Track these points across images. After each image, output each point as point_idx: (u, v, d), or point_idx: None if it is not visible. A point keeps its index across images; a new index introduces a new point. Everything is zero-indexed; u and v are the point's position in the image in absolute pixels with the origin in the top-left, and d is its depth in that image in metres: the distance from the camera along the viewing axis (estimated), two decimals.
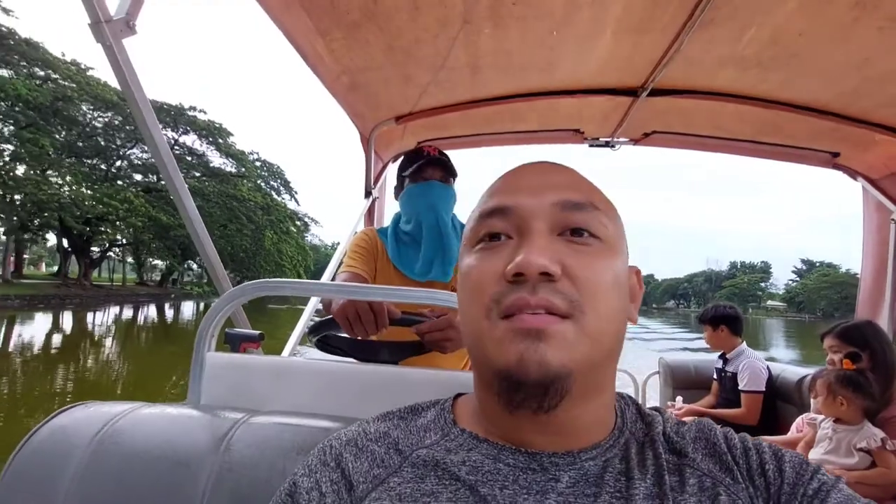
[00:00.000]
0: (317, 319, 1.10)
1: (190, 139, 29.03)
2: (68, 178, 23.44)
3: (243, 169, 30.52)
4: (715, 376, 2.65)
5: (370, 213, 2.41)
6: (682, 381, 2.83)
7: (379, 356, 1.02)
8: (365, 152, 2.26)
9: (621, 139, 2.40)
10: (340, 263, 1.52)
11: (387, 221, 2.55)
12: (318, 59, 1.54)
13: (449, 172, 1.47)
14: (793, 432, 1.95)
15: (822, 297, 76.86)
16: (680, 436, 0.46)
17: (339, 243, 2.32)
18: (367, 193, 2.33)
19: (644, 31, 1.48)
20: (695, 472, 0.43)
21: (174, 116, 27.43)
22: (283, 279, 0.89)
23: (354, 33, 1.42)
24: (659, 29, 1.45)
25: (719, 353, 2.63)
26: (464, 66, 1.69)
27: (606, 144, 2.45)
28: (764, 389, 2.28)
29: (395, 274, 1.48)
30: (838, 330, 1.83)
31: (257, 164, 30.23)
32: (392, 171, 2.52)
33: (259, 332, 1.04)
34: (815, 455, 1.67)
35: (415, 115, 2.09)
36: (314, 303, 1.87)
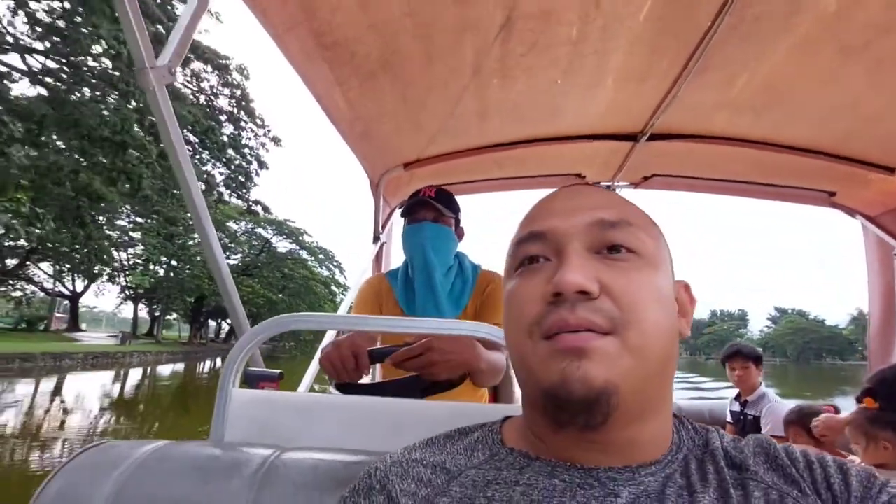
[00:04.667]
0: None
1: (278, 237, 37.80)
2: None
3: (309, 255, 38.90)
4: (730, 419, 2.58)
5: (378, 259, 2.42)
6: None
7: (390, 396, 1.01)
8: (374, 198, 2.30)
9: (621, 183, 2.46)
10: (350, 309, 1.53)
11: (394, 266, 2.58)
12: (334, 106, 1.61)
13: (444, 211, 1.46)
14: None
15: (788, 343, 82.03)
16: (738, 450, 0.45)
17: None
18: (376, 238, 2.35)
19: (643, 80, 1.56)
20: (759, 484, 0.41)
21: (277, 225, 35.62)
22: (301, 314, 0.89)
23: (370, 83, 1.49)
24: (657, 77, 1.54)
25: (735, 396, 2.57)
26: (472, 113, 1.76)
27: (607, 188, 2.51)
28: (784, 435, 2.20)
29: (402, 316, 1.47)
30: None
31: (316, 249, 38.69)
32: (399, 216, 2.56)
33: (279, 371, 1.03)
34: None
35: (422, 162, 2.16)
36: (329, 338, 1.86)
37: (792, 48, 1.32)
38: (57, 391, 12.80)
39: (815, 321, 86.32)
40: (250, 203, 30.06)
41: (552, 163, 2.31)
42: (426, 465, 0.45)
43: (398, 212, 2.55)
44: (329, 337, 1.72)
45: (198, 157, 20.29)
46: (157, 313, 35.58)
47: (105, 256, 22.76)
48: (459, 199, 1.57)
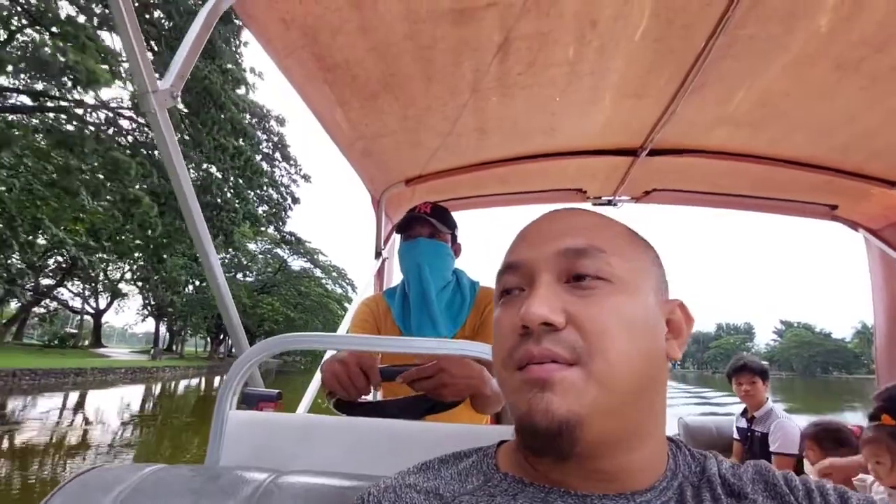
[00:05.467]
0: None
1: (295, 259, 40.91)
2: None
3: (323, 273, 41.79)
4: (737, 436, 2.54)
5: (380, 274, 2.43)
6: (704, 443, 2.70)
7: (391, 416, 1.00)
8: (375, 214, 2.32)
9: (623, 197, 2.47)
10: (347, 329, 1.53)
11: (395, 281, 2.58)
12: (335, 126, 1.63)
13: (439, 227, 1.45)
14: None
15: (794, 356, 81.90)
16: (737, 477, 0.44)
17: None
18: (377, 254, 2.36)
19: (641, 96, 1.58)
20: None
21: (294, 245, 37.65)
22: (300, 334, 0.89)
23: (371, 103, 1.51)
24: (654, 94, 1.55)
25: (742, 411, 2.53)
26: (471, 130, 1.78)
27: (609, 203, 2.52)
28: (798, 452, 2.16)
29: (399, 336, 1.46)
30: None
31: (330, 268, 41.33)
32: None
33: (277, 391, 1.03)
34: None
35: (423, 178, 2.18)
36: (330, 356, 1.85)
37: (787, 65, 1.33)
38: (124, 400, 15.16)
39: (821, 334, 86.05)
40: (285, 234, 31.95)
41: (554, 178, 2.32)
42: (419, 491, 0.45)
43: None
44: (329, 355, 1.72)
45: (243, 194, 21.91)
46: (175, 329, 38.00)
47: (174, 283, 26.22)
48: (463, 214, 1.58)
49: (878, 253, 2.22)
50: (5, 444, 7.96)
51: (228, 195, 18.19)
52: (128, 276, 32.77)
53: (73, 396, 14.70)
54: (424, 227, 1.45)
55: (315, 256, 39.05)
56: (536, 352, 0.40)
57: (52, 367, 16.98)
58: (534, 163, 2.07)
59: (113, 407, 13.27)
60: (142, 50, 0.91)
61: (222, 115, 14.55)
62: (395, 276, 2.56)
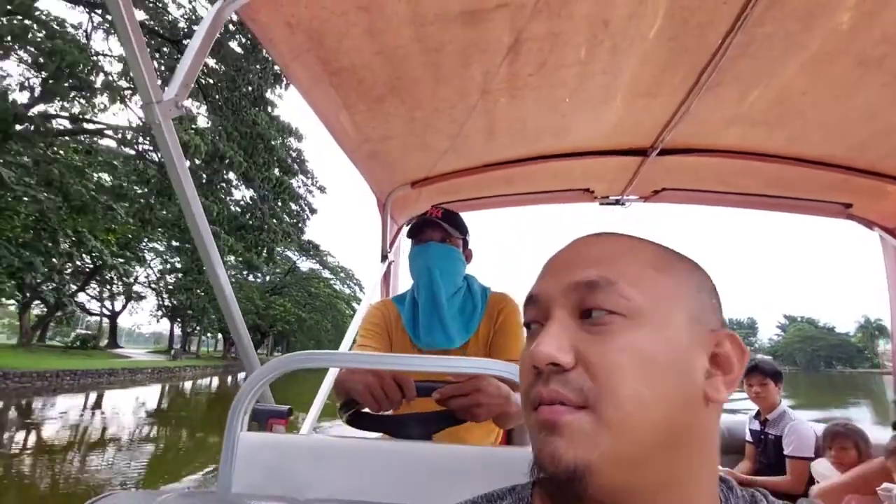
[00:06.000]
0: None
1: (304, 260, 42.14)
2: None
3: (331, 274, 43.80)
4: (750, 438, 2.50)
5: (386, 278, 2.40)
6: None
7: (412, 430, 0.97)
8: (381, 217, 2.29)
9: (631, 197, 2.43)
10: (357, 334, 1.50)
11: (402, 284, 2.56)
12: (341, 130, 1.60)
13: (451, 231, 1.43)
14: None
15: (797, 350, 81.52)
16: None
17: None
18: (384, 258, 2.33)
19: (653, 96, 1.54)
20: None
21: (307, 249, 38.57)
22: (313, 352, 0.87)
23: (378, 106, 1.48)
24: (667, 93, 1.52)
25: (755, 414, 2.50)
26: (479, 132, 1.75)
27: (617, 203, 2.48)
28: (813, 455, 2.13)
29: (409, 344, 1.43)
30: None
31: (338, 269, 43.08)
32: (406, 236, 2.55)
33: (287, 406, 1.00)
34: None
35: (429, 180, 2.15)
36: (334, 374, 1.82)
37: (806, 63, 1.29)
38: (162, 396, 16.85)
39: (825, 329, 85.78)
40: (303, 243, 33.04)
41: (561, 179, 2.29)
42: None
43: (406, 230, 2.54)
44: (332, 375, 1.68)
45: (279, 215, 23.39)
46: (189, 330, 39.45)
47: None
48: (469, 215, 1.55)
49: (894, 251, 2.18)
50: (117, 431, 9.12)
51: (270, 218, 20.07)
52: (142, 279, 34.37)
53: (120, 393, 16.24)
54: (436, 231, 1.43)
55: (324, 258, 40.24)
56: (545, 394, 0.38)
57: (88, 368, 18.40)
58: (541, 163, 2.04)
59: (175, 399, 16.34)
60: (145, 59, 0.89)
61: (270, 156, 16.68)
62: (402, 279, 2.54)
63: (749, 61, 1.31)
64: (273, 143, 16.73)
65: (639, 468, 0.37)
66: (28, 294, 19.99)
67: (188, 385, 21.43)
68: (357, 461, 0.79)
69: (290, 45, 1.19)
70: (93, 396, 14.69)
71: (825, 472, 1.84)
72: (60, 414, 10.81)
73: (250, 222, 18.51)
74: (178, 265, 30.71)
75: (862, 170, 1.83)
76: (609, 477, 0.36)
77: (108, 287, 32.17)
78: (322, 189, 26.35)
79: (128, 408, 12.90)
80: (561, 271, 0.43)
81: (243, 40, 14.72)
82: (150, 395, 16.47)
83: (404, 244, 2.58)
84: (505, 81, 1.41)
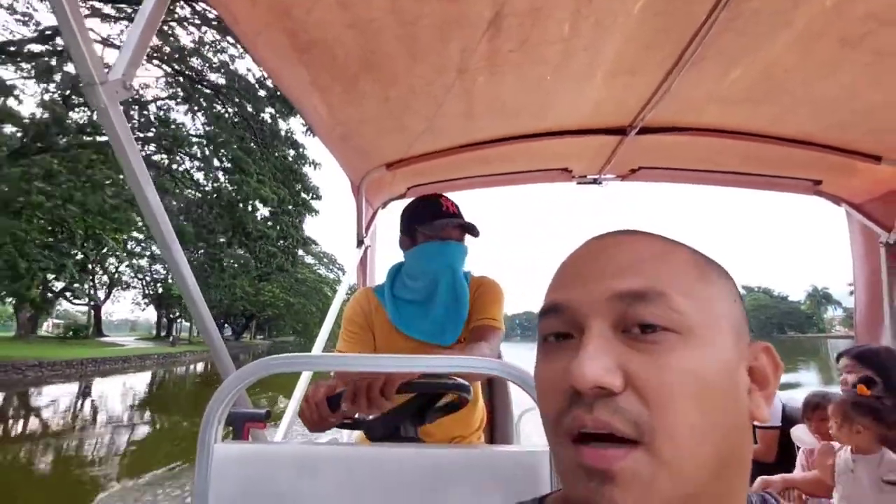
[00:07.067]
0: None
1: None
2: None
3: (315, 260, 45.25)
4: None
5: (363, 263, 2.34)
6: None
7: (400, 428, 0.93)
8: (356, 200, 2.21)
9: (608, 176, 2.42)
10: (339, 336, 1.44)
11: (379, 268, 2.49)
12: (312, 110, 1.51)
13: (465, 229, 1.43)
14: (799, 469, 1.90)
15: (752, 318, 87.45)
16: None
17: None
18: (360, 242, 2.26)
19: (635, 73, 1.50)
20: None
21: (307, 246, 40.01)
22: (292, 355, 0.81)
23: (351, 85, 1.39)
24: (649, 70, 1.48)
25: None
26: (457, 112, 1.68)
27: (594, 182, 2.47)
28: (780, 425, 2.22)
29: (397, 336, 1.40)
30: (855, 352, 1.81)
31: (321, 255, 45.12)
32: (382, 218, 2.48)
33: (265, 409, 0.95)
34: (839, 494, 1.61)
35: (405, 162, 2.07)
36: (308, 375, 1.76)
37: (790, 40, 1.27)
38: (184, 375, 19.85)
39: (779, 298, 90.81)
40: (303, 240, 34.34)
41: (539, 158, 2.25)
42: None
43: (381, 214, 2.47)
44: (307, 377, 1.62)
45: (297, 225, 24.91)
46: (172, 316, 41.06)
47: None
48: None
49: (860, 227, 2.25)
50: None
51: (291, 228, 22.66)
52: (126, 270, 35.95)
53: (145, 375, 18.83)
54: (455, 229, 1.40)
55: (308, 246, 41.08)
56: (590, 423, 0.33)
57: (105, 356, 20.60)
58: (520, 143, 1.99)
59: (195, 378, 18.66)
60: (84, 35, 0.78)
61: (298, 184, 19.52)
62: (379, 264, 2.48)
63: (733, 38, 1.28)
64: (299, 171, 19.48)
65: (693, 501, 0.33)
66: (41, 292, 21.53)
67: (197, 367, 23.81)
68: (340, 468, 0.75)
69: (252, 20, 1.09)
70: (129, 379, 17.11)
71: (803, 437, 1.92)
72: (132, 390, 14.44)
73: (273, 233, 21.13)
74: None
75: (836, 147, 1.86)
76: None
77: (91, 278, 32.78)
78: (316, 195, 26.82)
79: (177, 383, 16.61)
80: (594, 277, 0.38)
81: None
82: (175, 375, 19.30)
83: (380, 228, 2.51)
84: (484, 59, 1.34)
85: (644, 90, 1.60)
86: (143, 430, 9.13)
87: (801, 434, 1.93)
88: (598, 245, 0.40)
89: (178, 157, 18.73)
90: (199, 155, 18.74)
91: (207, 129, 17.89)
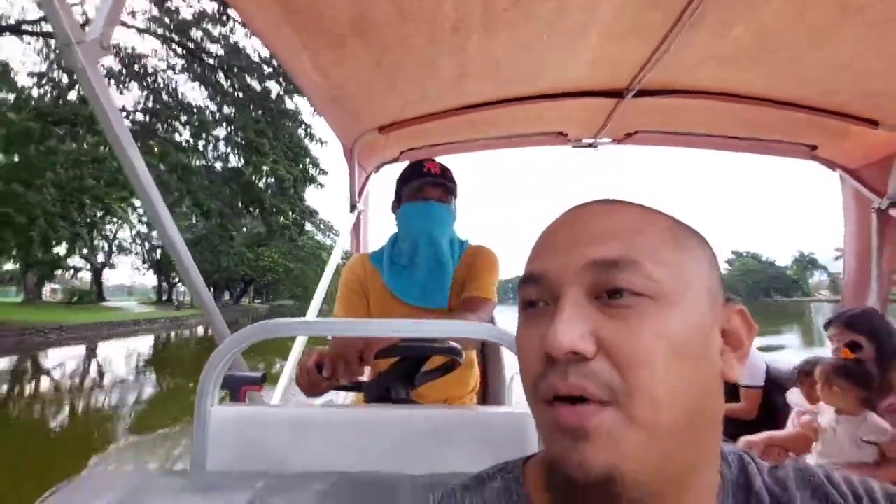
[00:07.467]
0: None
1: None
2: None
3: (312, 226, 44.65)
4: None
5: (356, 228, 2.33)
6: None
7: (395, 390, 0.95)
8: (348, 164, 2.18)
9: (604, 139, 2.39)
10: (336, 302, 1.44)
11: (372, 233, 2.49)
12: (303, 73, 1.47)
13: (449, 191, 1.40)
14: (790, 427, 1.98)
15: (739, 282, 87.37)
16: (781, 486, 0.41)
17: None
18: (352, 207, 2.24)
19: (632, 34, 1.46)
20: None
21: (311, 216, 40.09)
22: (286, 319, 0.82)
23: (341, 48, 1.35)
24: (647, 31, 1.44)
25: None
26: (450, 74, 1.64)
27: (590, 145, 2.44)
28: (763, 384, 2.30)
29: (392, 301, 1.40)
30: (843, 319, 1.84)
31: (318, 222, 45.26)
32: (375, 182, 2.45)
33: (261, 372, 0.96)
34: (819, 446, 1.68)
35: (398, 125, 2.03)
36: (303, 339, 1.78)
37: (790, 2, 1.24)
38: (192, 337, 20.95)
39: (767, 263, 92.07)
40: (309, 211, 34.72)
41: (534, 122, 2.21)
42: None
43: (374, 178, 2.44)
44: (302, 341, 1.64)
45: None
46: (172, 282, 41.61)
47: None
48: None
49: (853, 193, 2.26)
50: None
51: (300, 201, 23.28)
52: (126, 236, 36.37)
53: (155, 338, 20.08)
54: (436, 189, 1.37)
55: (313, 217, 41.78)
56: (563, 388, 0.34)
57: (116, 320, 21.77)
58: (514, 106, 1.96)
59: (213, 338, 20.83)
60: None
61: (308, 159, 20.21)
62: (372, 228, 2.47)
63: None
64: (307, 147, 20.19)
65: (668, 462, 0.35)
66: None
67: (201, 331, 23.95)
68: (337, 430, 0.77)
69: None
70: (144, 340, 18.59)
71: (798, 400, 2.00)
72: (149, 350, 16.21)
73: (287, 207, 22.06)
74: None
75: (833, 111, 1.84)
76: (640, 475, 0.34)
77: (92, 244, 34.00)
78: (325, 172, 26.79)
79: (189, 343, 17.91)
80: (569, 246, 0.39)
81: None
82: (184, 337, 20.53)
83: (373, 192, 2.49)
84: (478, 18, 1.30)
85: (641, 51, 1.56)
86: (168, 383, 10.43)
87: (795, 398, 2.01)
88: (575, 215, 0.41)
89: (202, 140, 19.37)
90: (220, 136, 20.08)
91: (226, 111, 18.89)
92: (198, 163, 18.69)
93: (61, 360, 13.44)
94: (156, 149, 16.48)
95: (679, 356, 0.34)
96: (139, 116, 17.63)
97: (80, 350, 15.30)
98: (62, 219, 15.71)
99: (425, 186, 1.37)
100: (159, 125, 17.88)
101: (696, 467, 0.37)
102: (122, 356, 14.45)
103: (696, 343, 0.36)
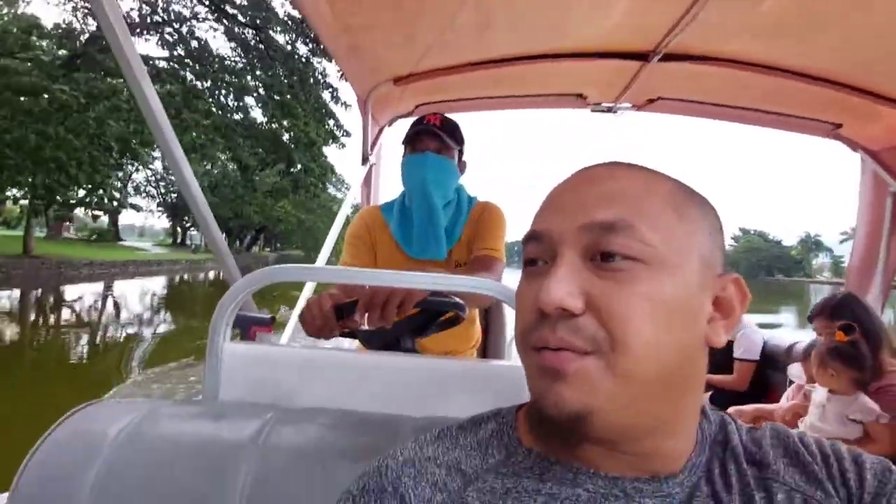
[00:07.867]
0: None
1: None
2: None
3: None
4: None
5: (367, 181, 2.32)
6: None
7: (402, 340, 0.98)
8: (362, 116, 2.15)
9: (624, 105, 2.33)
10: (343, 249, 1.46)
11: (383, 187, 2.49)
12: (319, 17, 1.43)
13: (448, 142, 1.37)
14: (784, 401, 2.03)
15: (742, 259, 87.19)
16: (757, 444, 0.43)
17: None
18: (364, 160, 2.23)
19: None
20: (781, 486, 0.41)
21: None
22: (296, 265, 0.84)
23: None
24: None
25: None
26: (471, 25, 1.58)
27: (609, 110, 2.38)
28: (758, 358, 2.34)
29: (398, 252, 1.43)
30: (827, 311, 1.86)
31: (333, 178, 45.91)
32: (388, 135, 2.42)
33: (270, 315, 1.00)
34: (807, 420, 1.73)
35: (414, 77, 1.99)
36: (312, 284, 1.81)
37: None
38: (211, 279, 22.36)
39: (772, 242, 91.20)
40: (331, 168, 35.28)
41: (554, 82, 2.16)
42: (440, 465, 0.43)
43: (388, 130, 2.41)
44: (310, 288, 1.66)
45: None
46: (186, 225, 44.27)
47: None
48: (453, 117, 1.46)
49: (872, 175, 2.21)
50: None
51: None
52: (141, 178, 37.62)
53: (178, 278, 22.35)
54: (433, 140, 1.36)
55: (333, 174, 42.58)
56: (552, 341, 0.37)
57: (141, 259, 23.82)
58: (535, 63, 1.90)
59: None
60: None
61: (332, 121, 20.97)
62: (384, 182, 2.47)
63: None
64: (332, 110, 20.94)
65: (640, 410, 0.37)
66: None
67: (217, 274, 26.57)
68: (343, 372, 0.80)
69: None
70: (168, 280, 20.74)
71: (798, 373, 2.05)
72: (175, 287, 18.75)
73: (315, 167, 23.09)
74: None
75: (861, 89, 1.78)
76: (610, 419, 0.37)
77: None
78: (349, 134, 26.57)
79: (209, 284, 19.95)
80: (571, 208, 0.40)
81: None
82: (201, 280, 22.76)
83: (386, 145, 2.46)
84: None
85: (671, 13, 1.50)
86: (197, 309, 12.38)
87: (796, 371, 2.06)
88: (581, 177, 0.42)
89: (242, 103, 20.51)
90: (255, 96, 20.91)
91: (264, 77, 19.58)
92: (237, 116, 19.94)
93: (99, 292, 14.97)
94: (200, 106, 17.40)
95: (662, 316, 0.37)
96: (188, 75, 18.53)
97: (117, 284, 16.96)
98: (91, 161, 16.67)
99: (422, 136, 1.36)
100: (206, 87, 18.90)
101: (668, 421, 0.40)
102: (159, 290, 16.65)
103: (681, 307, 0.38)
